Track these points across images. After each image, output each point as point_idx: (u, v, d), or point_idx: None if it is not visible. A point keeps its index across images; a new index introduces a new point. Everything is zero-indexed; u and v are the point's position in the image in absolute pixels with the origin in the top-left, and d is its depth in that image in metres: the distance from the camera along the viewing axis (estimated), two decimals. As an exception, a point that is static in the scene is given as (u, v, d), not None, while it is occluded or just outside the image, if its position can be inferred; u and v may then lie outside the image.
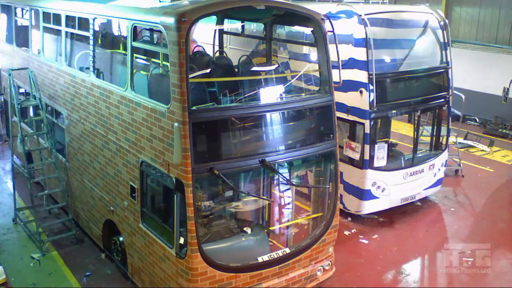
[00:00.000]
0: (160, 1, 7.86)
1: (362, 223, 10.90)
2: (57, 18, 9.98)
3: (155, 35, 10.06)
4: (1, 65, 14.03)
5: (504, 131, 17.42)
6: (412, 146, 11.28)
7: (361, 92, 10.17)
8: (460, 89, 13.70)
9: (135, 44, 7.73)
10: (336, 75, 8.00)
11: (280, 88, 7.90)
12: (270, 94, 7.74)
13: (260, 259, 7.29)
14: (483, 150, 15.73)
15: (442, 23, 11.49)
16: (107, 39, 10.04)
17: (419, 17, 11.56)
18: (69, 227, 10.11)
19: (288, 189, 8.59)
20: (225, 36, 11.19)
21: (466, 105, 16.06)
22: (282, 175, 7.76)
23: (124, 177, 8.00)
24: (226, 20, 10.81)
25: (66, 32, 9.71)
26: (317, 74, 8.15)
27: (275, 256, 7.43)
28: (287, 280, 7.56)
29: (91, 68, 8.65)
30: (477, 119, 18.58)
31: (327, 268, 8.17)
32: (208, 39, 11.16)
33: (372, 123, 10.22)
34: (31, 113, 12.04)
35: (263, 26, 9.76)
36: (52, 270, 8.89)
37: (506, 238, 10.51)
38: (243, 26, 11.36)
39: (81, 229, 10.07)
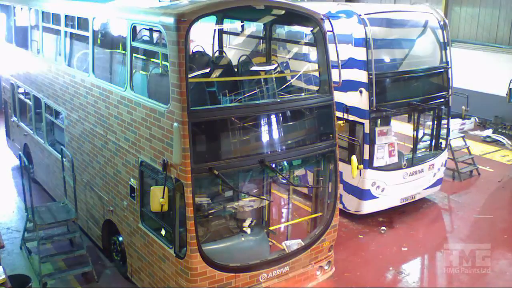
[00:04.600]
0: (159, 1, 7.85)
1: (362, 223, 10.90)
2: (56, 18, 9.98)
3: (154, 35, 10.06)
4: (0, 65, 14.03)
5: (504, 131, 17.43)
6: (412, 146, 11.29)
7: (360, 92, 10.16)
8: (460, 89, 13.69)
9: (135, 44, 7.73)
10: (336, 75, 7.99)
11: (280, 88, 7.89)
12: (269, 94, 7.73)
13: (259, 259, 7.29)
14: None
15: (441, 23, 11.49)
16: (107, 39, 10.03)
17: (419, 17, 11.55)
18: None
19: (288, 189, 8.59)
20: (224, 36, 11.18)
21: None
22: (281, 175, 7.76)
23: (124, 177, 7.99)
24: (225, 20, 10.81)
25: (66, 32, 9.70)
26: (316, 74, 8.15)
27: (275, 256, 7.43)
28: (286, 280, 7.55)
29: (90, 68, 8.65)
30: (477, 119, 18.57)
31: (326, 268, 8.17)
32: (208, 39, 11.16)
33: (371, 123, 10.22)
34: (31, 113, 12.04)
35: (262, 26, 9.76)
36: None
37: (506, 238, 10.50)
38: (242, 26, 11.35)
39: (81, 229, 10.06)
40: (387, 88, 10.58)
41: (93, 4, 8.93)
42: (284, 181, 8.06)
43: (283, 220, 8.83)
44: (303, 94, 8.10)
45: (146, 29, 9.55)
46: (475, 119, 18.34)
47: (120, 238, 8.50)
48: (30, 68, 11.60)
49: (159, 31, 7.12)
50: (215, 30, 10.66)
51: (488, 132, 17.15)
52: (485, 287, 8.86)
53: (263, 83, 7.97)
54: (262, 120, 7.24)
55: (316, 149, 7.73)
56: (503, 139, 16.40)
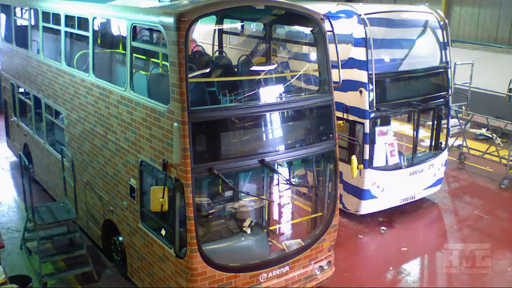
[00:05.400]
0: (159, 1, 7.86)
1: (362, 223, 10.90)
2: (56, 18, 9.98)
3: (154, 35, 10.06)
4: (0, 65, 14.03)
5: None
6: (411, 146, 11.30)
7: (360, 92, 10.16)
8: (460, 89, 13.74)
9: (135, 44, 7.73)
10: (336, 75, 8.00)
11: (280, 88, 7.89)
12: (269, 94, 7.73)
13: (259, 259, 7.29)
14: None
15: (441, 23, 11.49)
16: (107, 39, 10.03)
17: (419, 17, 11.55)
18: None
19: (288, 189, 8.59)
20: (224, 35, 11.19)
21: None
22: (281, 175, 7.76)
23: (124, 177, 7.99)
24: (225, 20, 10.81)
25: (66, 32, 9.70)
26: (316, 74, 8.15)
27: (275, 256, 7.43)
28: (286, 280, 7.55)
29: (90, 68, 8.65)
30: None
31: (326, 268, 8.17)
32: (208, 39, 11.16)
33: (371, 123, 10.22)
34: (31, 113, 12.04)
35: (262, 26, 9.76)
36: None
37: (506, 238, 10.51)
38: (242, 26, 11.36)
39: (81, 229, 10.06)
40: (387, 88, 10.58)
41: (93, 4, 8.93)
42: (284, 181, 8.06)
43: (283, 220, 8.82)
44: (303, 94, 8.10)
45: (146, 29, 9.55)
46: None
47: (120, 238, 8.50)
48: (30, 68, 11.60)
49: (159, 31, 7.11)
50: (215, 30, 10.66)
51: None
52: (485, 287, 8.87)
53: (263, 83, 7.97)
54: (262, 120, 7.25)
55: (316, 149, 7.73)
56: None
